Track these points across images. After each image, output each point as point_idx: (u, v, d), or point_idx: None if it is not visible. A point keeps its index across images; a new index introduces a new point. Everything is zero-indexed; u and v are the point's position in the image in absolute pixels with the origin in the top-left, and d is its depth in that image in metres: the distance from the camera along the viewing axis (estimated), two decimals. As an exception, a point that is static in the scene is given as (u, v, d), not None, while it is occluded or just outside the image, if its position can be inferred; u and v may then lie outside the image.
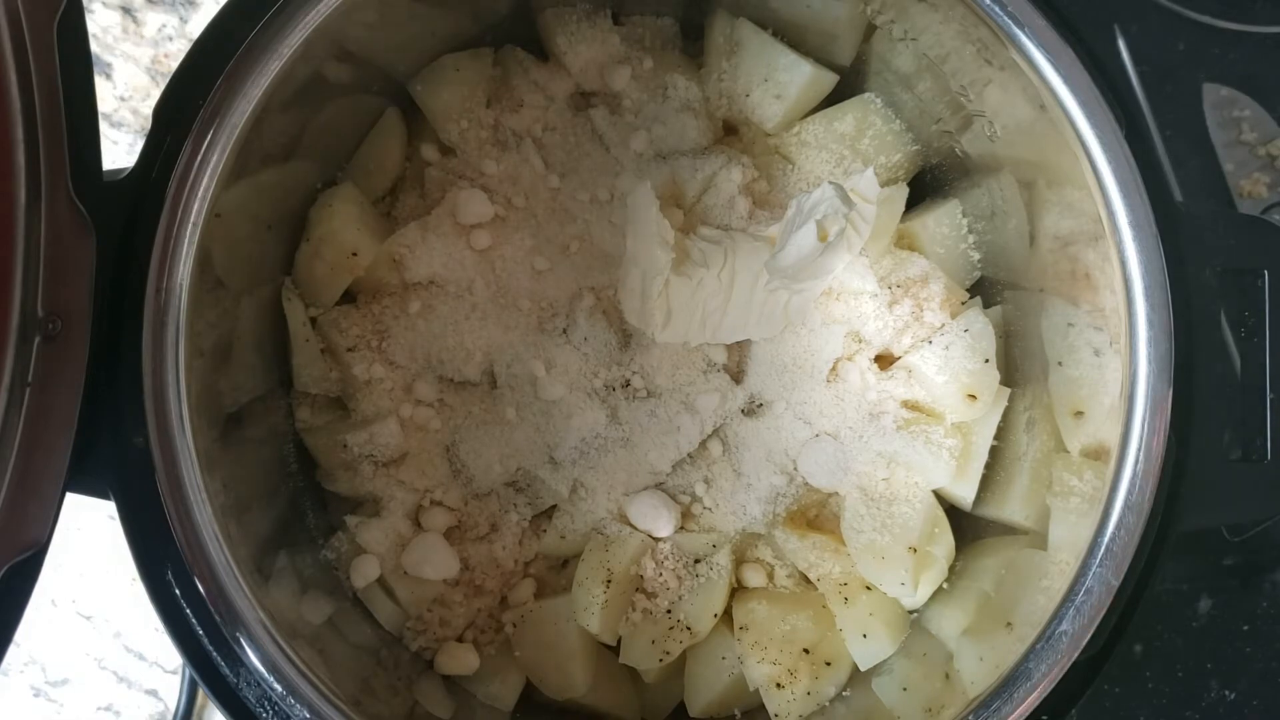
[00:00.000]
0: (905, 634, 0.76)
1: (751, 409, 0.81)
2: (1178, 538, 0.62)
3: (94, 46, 0.94)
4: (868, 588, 0.76)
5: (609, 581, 0.76)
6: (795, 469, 0.79)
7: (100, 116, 0.62)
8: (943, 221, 0.80)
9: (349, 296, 0.80)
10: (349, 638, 0.75)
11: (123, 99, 0.96)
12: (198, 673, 0.61)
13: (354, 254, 0.77)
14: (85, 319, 0.60)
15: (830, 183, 0.73)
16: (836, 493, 0.79)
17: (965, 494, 0.77)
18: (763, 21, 0.80)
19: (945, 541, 0.77)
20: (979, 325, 0.76)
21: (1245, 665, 0.81)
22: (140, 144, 0.62)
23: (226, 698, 0.61)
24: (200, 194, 0.61)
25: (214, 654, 0.61)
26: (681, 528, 0.79)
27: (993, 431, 0.76)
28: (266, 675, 0.60)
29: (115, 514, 0.61)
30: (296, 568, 0.73)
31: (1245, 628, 0.80)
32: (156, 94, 0.76)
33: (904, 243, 0.81)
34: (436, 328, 0.79)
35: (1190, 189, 0.86)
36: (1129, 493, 0.61)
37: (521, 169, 0.80)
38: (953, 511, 0.79)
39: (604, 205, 0.80)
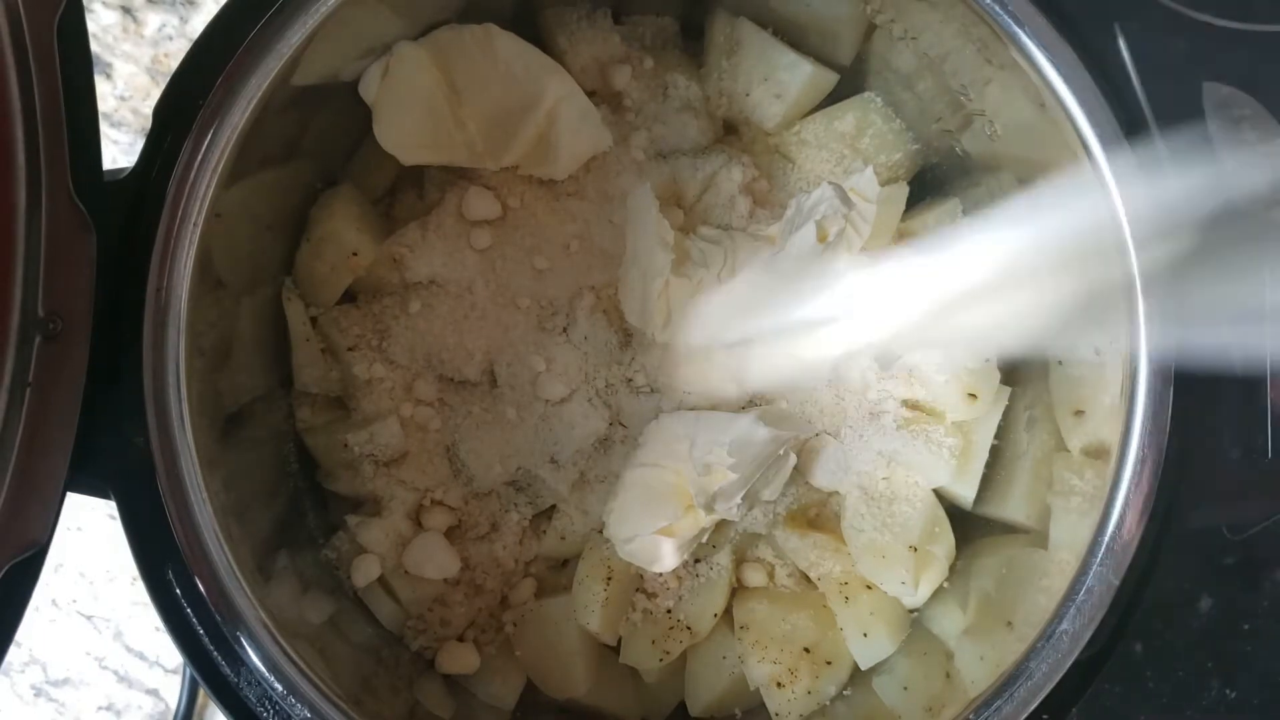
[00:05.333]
0: (906, 633, 0.76)
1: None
2: (1178, 536, 0.62)
3: (94, 46, 0.94)
4: (868, 587, 0.76)
5: (609, 580, 0.76)
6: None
7: (100, 116, 0.62)
8: (943, 221, 0.80)
9: (349, 296, 0.80)
10: (350, 637, 0.75)
11: (123, 99, 0.96)
12: (198, 672, 0.61)
13: (354, 254, 0.77)
14: (85, 319, 0.60)
15: (830, 183, 0.74)
16: (837, 492, 0.79)
17: (966, 493, 0.77)
18: (763, 21, 0.80)
19: (946, 540, 0.77)
20: (979, 324, 0.76)
21: (1246, 664, 0.81)
22: (140, 144, 0.62)
23: (227, 697, 0.61)
24: (200, 194, 0.61)
25: (215, 653, 0.61)
26: (682, 527, 0.79)
27: (993, 430, 0.76)
28: (267, 675, 0.60)
29: (115, 514, 0.61)
30: (297, 567, 0.73)
31: (1246, 626, 0.80)
32: (156, 94, 0.76)
33: (904, 242, 0.81)
34: (437, 327, 0.79)
35: (1191, 188, 0.85)
36: (1129, 491, 0.61)
37: (522, 168, 0.80)
38: (953, 510, 0.79)
39: (604, 204, 0.80)
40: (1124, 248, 0.61)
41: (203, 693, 0.92)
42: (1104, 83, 0.62)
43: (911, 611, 0.78)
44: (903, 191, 0.81)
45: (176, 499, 0.60)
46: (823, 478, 0.78)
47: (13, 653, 0.92)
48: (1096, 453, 0.66)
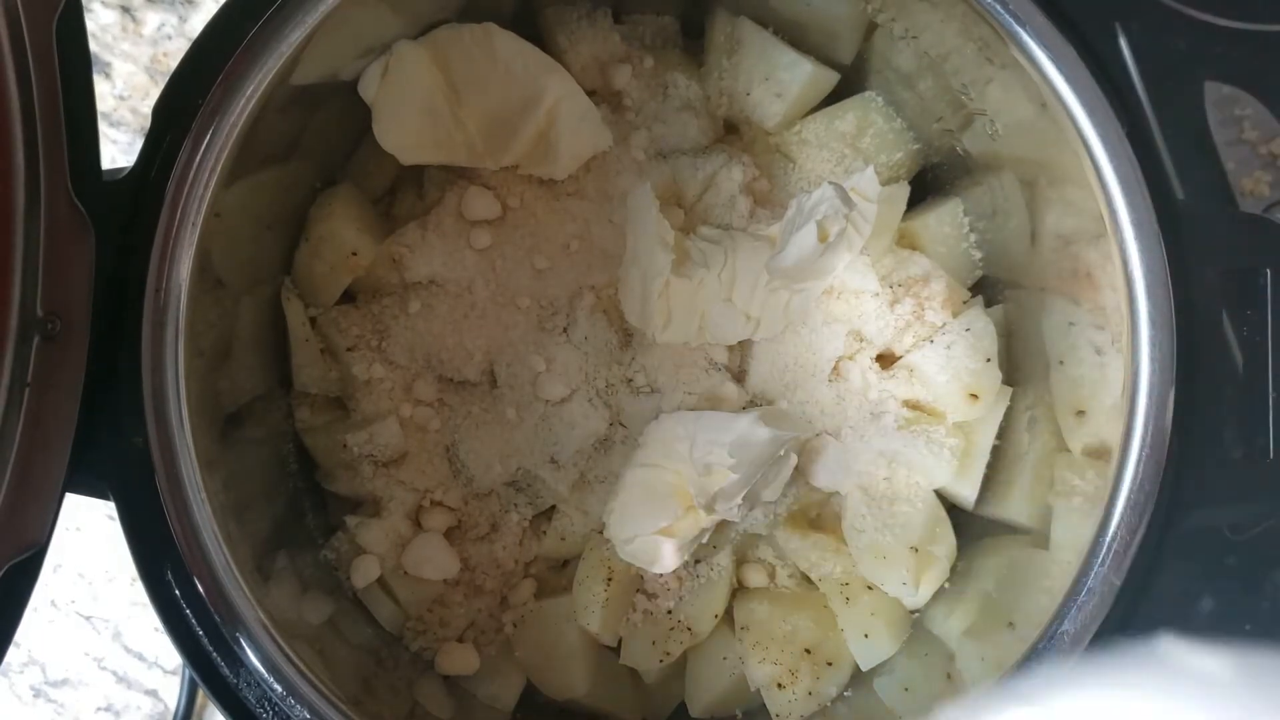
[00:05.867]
0: (907, 634, 0.76)
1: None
2: (1180, 537, 0.62)
3: (93, 45, 0.94)
4: (869, 587, 0.76)
5: (610, 580, 0.76)
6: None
7: (99, 116, 0.62)
8: (944, 220, 0.80)
9: (348, 296, 0.80)
10: (349, 638, 0.75)
11: (122, 98, 0.96)
12: (197, 673, 0.61)
13: (353, 254, 0.77)
14: (84, 319, 0.60)
15: (830, 183, 0.73)
16: (838, 492, 0.79)
17: (967, 493, 0.76)
18: (763, 20, 0.80)
19: (947, 541, 0.77)
20: (980, 324, 0.76)
21: (1247, 665, 0.81)
22: (139, 143, 0.62)
23: (226, 698, 0.61)
24: (200, 193, 0.61)
25: (214, 654, 0.61)
26: (682, 527, 0.79)
27: (994, 431, 0.76)
28: (266, 675, 0.60)
29: (114, 514, 0.61)
30: (296, 568, 0.73)
31: (1247, 627, 0.80)
32: (156, 93, 0.76)
33: (905, 242, 0.81)
34: (436, 327, 0.78)
35: (1192, 187, 0.85)
36: (1131, 492, 0.61)
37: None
38: (954, 511, 0.79)
39: (604, 204, 0.80)
40: (1125, 246, 0.61)
41: (202, 694, 0.92)
42: (1105, 82, 0.62)
43: (913, 612, 0.78)
44: (904, 191, 0.81)
45: (175, 499, 0.60)
46: (823, 478, 0.78)
47: (11, 653, 0.92)
48: (1098, 453, 0.66)
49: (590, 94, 0.79)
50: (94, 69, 0.62)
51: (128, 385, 0.60)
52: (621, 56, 0.81)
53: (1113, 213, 0.61)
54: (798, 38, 0.80)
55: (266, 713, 0.61)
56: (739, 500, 0.74)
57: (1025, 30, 0.62)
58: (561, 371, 0.78)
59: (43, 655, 0.95)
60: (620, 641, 0.78)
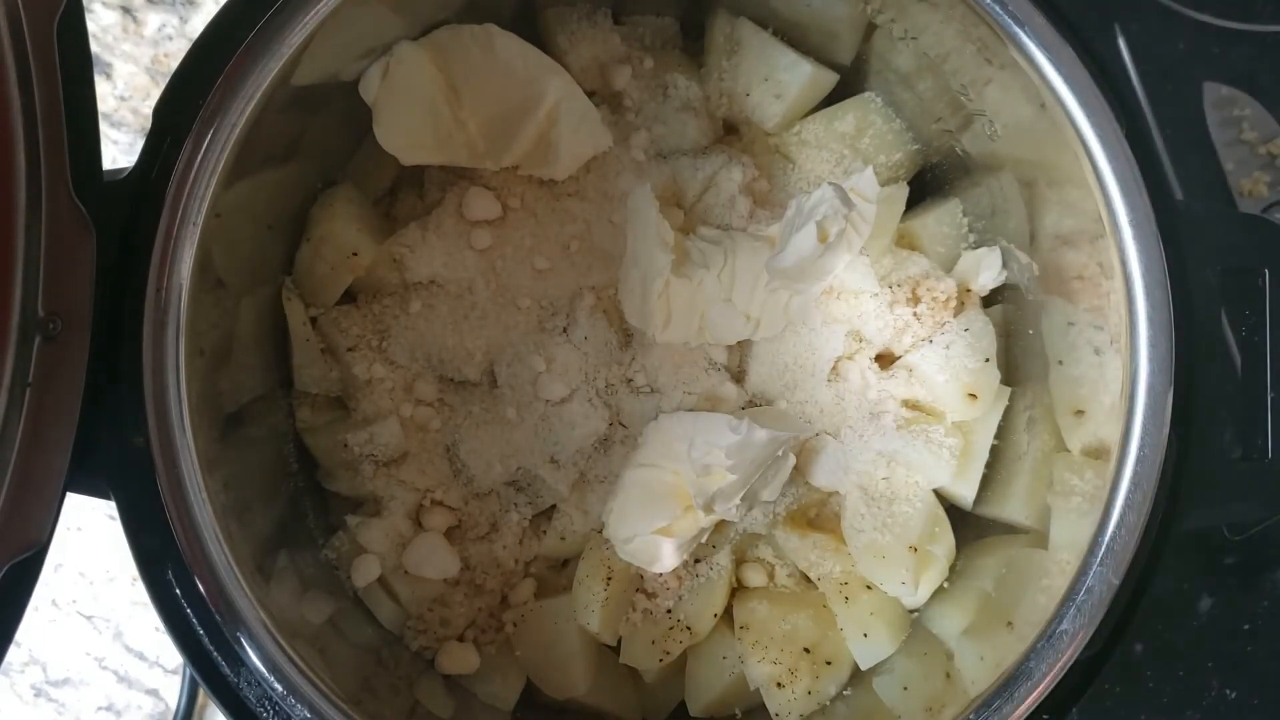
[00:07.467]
0: (906, 633, 0.76)
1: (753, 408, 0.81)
2: (1178, 537, 0.62)
3: (94, 46, 0.94)
4: (868, 587, 0.76)
5: (609, 580, 0.76)
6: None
7: (100, 116, 0.62)
8: (943, 221, 0.80)
9: (349, 296, 0.80)
10: (350, 637, 0.75)
11: (123, 99, 0.96)
12: (198, 672, 0.61)
13: (354, 254, 0.77)
14: (85, 319, 0.60)
15: (830, 183, 0.74)
16: (837, 492, 0.79)
17: (966, 493, 0.77)
18: (763, 21, 0.80)
19: (946, 541, 0.77)
20: (979, 324, 0.76)
21: (1246, 664, 0.81)
22: (140, 144, 0.62)
23: (227, 697, 0.61)
24: (200, 194, 0.61)
25: (214, 654, 0.61)
26: (682, 527, 0.79)
27: (993, 431, 0.76)
28: (267, 675, 0.60)
29: (115, 514, 0.61)
30: (297, 567, 0.73)
31: (1246, 626, 0.80)
32: (156, 94, 0.76)
33: (904, 242, 0.81)
34: (437, 327, 0.79)
35: (1191, 188, 0.86)
36: (1130, 492, 0.61)
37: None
38: (953, 511, 0.79)
39: (604, 204, 0.80)
40: (1123, 247, 0.61)
41: (202, 693, 0.92)
42: (1104, 82, 0.62)
43: (912, 612, 0.78)
44: (903, 191, 0.81)
45: (176, 499, 0.60)
46: (822, 478, 0.78)
47: (12, 653, 0.92)
48: (1097, 453, 0.66)
49: (590, 95, 0.79)
50: (95, 70, 0.62)
51: (129, 385, 0.61)
52: (621, 57, 0.81)
53: (1111, 213, 0.61)
54: (797, 38, 0.80)
55: (267, 712, 0.61)
56: (737, 500, 0.74)
57: (1024, 31, 0.62)
58: (561, 371, 0.78)
59: (44, 655, 0.95)
60: (620, 641, 0.78)
